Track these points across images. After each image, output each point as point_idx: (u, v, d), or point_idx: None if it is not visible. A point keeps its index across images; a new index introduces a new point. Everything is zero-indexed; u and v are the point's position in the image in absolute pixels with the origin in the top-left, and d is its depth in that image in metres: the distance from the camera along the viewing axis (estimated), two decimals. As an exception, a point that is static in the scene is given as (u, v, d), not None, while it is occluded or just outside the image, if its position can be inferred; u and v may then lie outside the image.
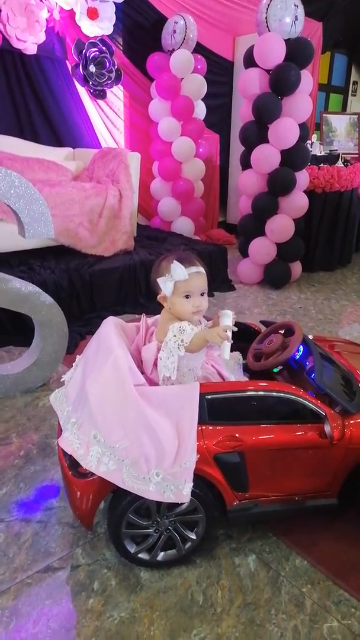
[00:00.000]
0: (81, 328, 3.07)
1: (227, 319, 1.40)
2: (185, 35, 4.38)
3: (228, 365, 1.60)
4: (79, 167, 4.06)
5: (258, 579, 1.43)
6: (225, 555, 1.51)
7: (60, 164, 3.93)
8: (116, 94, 4.69)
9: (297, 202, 3.87)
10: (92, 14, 4.24)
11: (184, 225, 4.80)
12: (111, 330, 1.51)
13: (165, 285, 1.40)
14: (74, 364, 1.60)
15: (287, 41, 3.55)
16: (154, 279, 1.44)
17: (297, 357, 1.68)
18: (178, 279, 1.39)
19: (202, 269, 1.45)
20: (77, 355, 1.61)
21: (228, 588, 1.40)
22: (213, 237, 5.21)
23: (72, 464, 1.35)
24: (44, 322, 2.33)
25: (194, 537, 1.43)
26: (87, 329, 3.09)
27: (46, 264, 3.27)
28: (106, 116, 4.70)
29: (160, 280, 1.40)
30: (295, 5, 3.54)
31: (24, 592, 1.38)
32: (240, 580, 1.43)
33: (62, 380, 1.62)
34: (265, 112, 3.64)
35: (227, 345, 1.35)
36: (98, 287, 3.31)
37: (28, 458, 1.94)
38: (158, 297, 1.46)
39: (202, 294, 1.44)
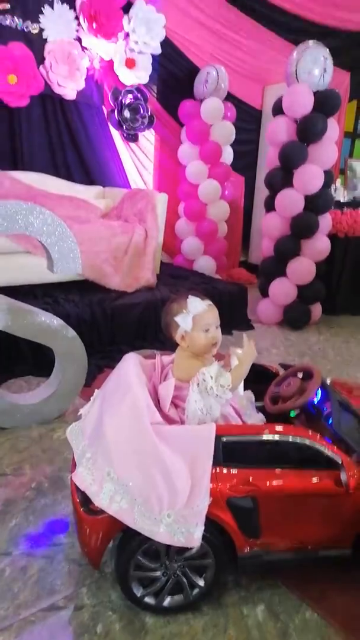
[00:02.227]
0: (100, 361, 3.10)
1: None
2: (216, 85, 4.59)
3: (241, 404, 1.60)
4: (108, 205, 4.20)
5: (266, 630, 1.38)
6: (234, 604, 1.46)
7: (91, 202, 4.08)
8: (147, 138, 4.90)
9: (319, 245, 3.91)
10: (130, 64, 4.49)
11: (206, 264, 4.87)
12: (131, 366, 1.53)
13: (185, 320, 1.43)
14: (91, 398, 1.61)
15: (316, 92, 3.67)
16: (168, 321, 1.47)
17: (315, 401, 1.67)
18: (196, 312, 1.43)
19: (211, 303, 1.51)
20: (95, 389, 1.63)
21: (235, 638, 1.35)
22: (234, 277, 5.26)
23: (84, 500, 1.35)
24: (65, 355, 2.37)
25: (202, 583, 1.40)
26: (106, 362, 3.11)
27: (70, 297, 3.35)
28: (137, 158, 4.89)
29: (179, 318, 1.44)
30: (324, 57, 3.68)
31: (26, 630, 1.36)
32: (248, 631, 1.37)
33: (79, 413, 1.63)
34: (291, 159, 3.74)
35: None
36: (119, 322, 3.36)
37: (39, 490, 1.93)
38: (176, 337, 1.48)
39: (217, 327, 1.49)
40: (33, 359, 2.96)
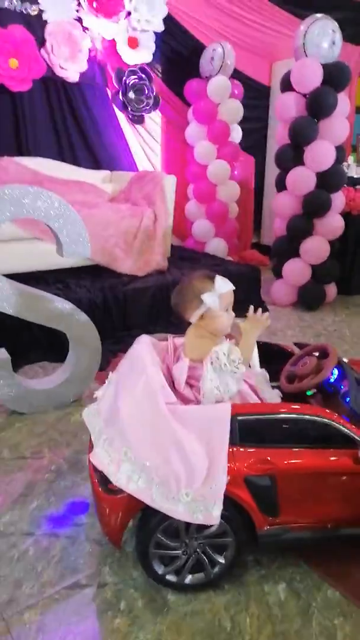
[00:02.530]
0: (113, 345, 3.11)
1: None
2: (222, 62, 4.48)
3: (257, 381, 1.59)
4: (116, 189, 4.17)
5: (288, 608, 1.39)
6: (255, 582, 1.47)
7: (98, 186, 4.05)
8: (154, 119, 4.82)
9: (332, 224, 3.84)
10: (133, 43, 4.40)
11: (217, 246, 4.83)
12: (144, 348, 1.53)
13: (214, 300, 1.42)
14: (106, 381, 1.62)
15: (324, 65, 3.57)
16: (189, 299, 1.45)
17: (332, 380, 1.66)
18: (223, 291, 1.43)
19: None
20: (110, 372, 1.63)
21: (257, 616, 1.36)
22: (246, 258, 5.21)
23: (103, 480, 1.36)
24: (78, 339, 2.37)
25: (222, 561, 1.41)
26: (119, 346, 3.11)
27: (82, 282, 3.35)
28: (143, 140, 4.82)
29: (206, 296, 1.42)
30: (333, 30, 3.58)
31: (51, 608, 1.39)
32: (269, 609, 1.39)
33: (94, 396, 1.64)
34: (302, 135, 3.66)
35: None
36: (131, 306, 3.36)
37: (59, 473, 1.96)
38: (193, 315, 1.46)
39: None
40: (47, 345, 2.98)
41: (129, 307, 3.35)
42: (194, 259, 4.23)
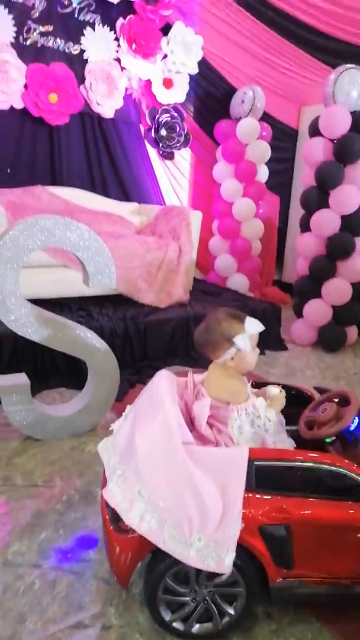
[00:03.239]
0: (132, 376, 3.12)
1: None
2: (253, 105, 4.61)
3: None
4: (143, 221, 4.26)
5: (298, 668, 1.33)
6: (264, 637, 1.42)
7: (126, 218, 4.14)
8: (183, 156, 4.96)
9: (355, 266, 3.83)
10: (167, 83, 4.59)
11: (239, 282, 4.86)
12: (163, 384, 1.52)
13: (245, 342, 1.43)
14: (123, 414, 1.61)
15: (353, 113, 3.65)
16: (216, 340, 1.44)
17: (352, 428, 1.63)
18: (254, 332, 1.44)
19: None
20: (127, 405, 1.63)
21: (263, 675, 1.31)
22: (267, 295, 5.22)
23: (114, 517, 1.34)
24: (97, 368, 2.39)
25: (232, 612, 1.37)
26: (138, 377, 3.13)
27: (104, 311, 3.39)
28: (172, 176, 4.95)
29: (238, 339, 1.42)
30: (362, 79, 3.66)
31: (53, 647, 1.35)
32: (278, 667, 1.33)
33: (110, 429, 1.63)
34: (328, 179, 3.71)
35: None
36: (151, 337, 3.38)
37: (70, 504, 1.94)
38: (222, 357, 1.45)
39: None
40: (67, 372, 3.00)
41: (149, 338, 3.36)
42: (216, 293, 4.26)
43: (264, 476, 1.32)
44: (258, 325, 1.45)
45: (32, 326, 2.22)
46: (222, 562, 1.23)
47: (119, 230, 3.90)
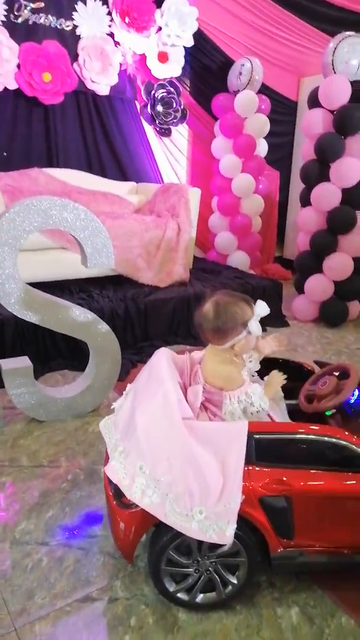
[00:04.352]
0: (133, 356, 3.13)
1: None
2: (250, 77, 4.51)
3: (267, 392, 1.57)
4: (141, 200, 4.21)
5: (300, 634, 1.36)
6: (267, 605, 1.45)
7: (124, 197, 4.10)
8: (180, 132, 4.87)
9: (357, 240, 3.79)
10: (163, 57, 4.47)
11: (239, 259, 4.82)
12: (163, 361, 1.52)
13: (257, 325, 1.41)
14: (124, 392, 1.62)
15: (353, 83, 3.56)
16: (231, 327, 1.40)
17: (352, 401, 1.63)
18: (263, 314, 1.43)
19: None
20: (128, 384, 1.64)
21: (268, 640, 1.34)
22: (269, 272, 5.19)
23: (117, 493, 1.36)
24: (99, 349, 2.40)
25: (234, 581, 1.39)
26: (139, 357, 3.14)
27: (104, 292, 3.39)
28: (170, 153, 4.87)
29: (252, 323, 1.40)
30: (362, 48, 3.57)
31: (62, 620, 1.39)
32: (281, 633, 1.36)
33: (112, 407, 1.65)
34: (328, 152, 3.65)
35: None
36: (152, 317, 3.38)
37: (75, 483, 1.97)
38: (233, 340, 1.42)
39: None
40: (69, 354, 3.02)
41: (149, 317, 3.36)
42: (216, 271, 4.24)
43: (264, 449, 1.33)
44: (266, 307, 1.43)
45: (32, 309, 2.22)
46: (224, 533, 1.25)
47: (117, 209, 3.87)
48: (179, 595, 1.40)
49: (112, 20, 4.17)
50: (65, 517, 1.79)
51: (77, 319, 2.32)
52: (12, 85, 3.83)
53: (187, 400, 1.47)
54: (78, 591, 1.48)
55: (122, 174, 4.55)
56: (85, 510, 1.82)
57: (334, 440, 1.35)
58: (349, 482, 1.35)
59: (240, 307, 1.42)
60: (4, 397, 2.38)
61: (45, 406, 2.38)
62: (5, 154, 3.97)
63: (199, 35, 4.56)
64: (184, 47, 4.52)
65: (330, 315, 3.96)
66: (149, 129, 4.69)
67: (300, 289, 4.11)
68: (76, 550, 1.63)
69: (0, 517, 1.78)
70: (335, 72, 3.61)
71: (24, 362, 2.33)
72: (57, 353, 3.02)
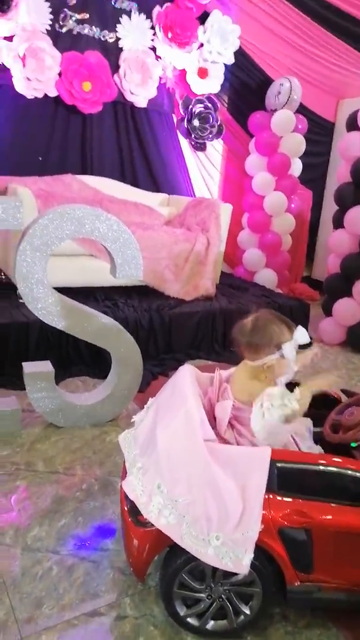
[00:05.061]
0: (154, 367, 3.12)
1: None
2: (289, 97, 4.51)
3: (299, 431, 1.54)
4: (172, 213, 4.23)
5: (312, 673, 1.31)
6: (279, 638, 1.40)
7: (155, 208, 4.12)
8: (215, 148, 4.90)
9: (389, 265, 3.73)
10: (203, 73, 4.53)
11: (267, 277, 4.79)
12: (187, 379, 1.51)
13: (292, 351, 1.39)
14: (145, 406, 1.61)
15: (393, 107, 3.53)
16: (264, 344, 1.39)
17: (379, 433, 1.58)
18: (302, 342, 1.41)
19: None
20: (150, 398, 1.63)
21: None
22: (296, 292, 5.14)
23: (133, 510, 1.35)
24: (121, 359, 2.39)
25: (247, 611, 1.35)
26: (161, 369, 3.13)
27: (130, 301, 3.40)
28: (203, 167, 4.90)
29: (287, 347, 1.38)
30: None
31: (68, 633, 1.37)
32: (292, 671, 1.31)
33: (132, 420, 1.63)
34: (364, 175, 3.61)
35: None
36: (176, 330, 3.37)
37: (89, 493, 1.96)
38: (264, 359, 1.40)
39: None
40: (91, 361, 3.03)
41: (173, 330, 3.36)
42: (243, 288, 4.21)
43: (286, 478, 1.29)
44: (307, 336, 1.41)
45: (58, 315, 2.23)
46: (240, 562, 1.22)
47: (147, 220, 3.89)
48: (189, 619, 1.36)
49: (155, 34, 4.24)
50: (78, 526, 1.77)
51: (102, 328, 2.32)
52: (53, 93, 3.92)
53: (214, 416, 1.45)
54: (86, 604, 1.46)
55: (155, 185, 4.59)
56: (98, 522, 1.80)
57: (358, 474, 1.31)
58: (371, 519, 1.30)
59: (280, 327, 1.40)
60: (23, 400, 2.39)
61: (64, 412, 2.38)
62: (40, 158, 4.05)
63: (239, 53, 4.61)
64: (224, 64, 4.56)
65: (358, 339, 3.88)
66: (184, 143, 4.73)
67: (328, 311, 4.05)
68: (87, 562, 1.62)
69: (13, 520, 1.78)
70: (376, 96, 3.58)
71: (46, 367, 2.34)
72: (79, 359, 3.04)
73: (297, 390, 1.37)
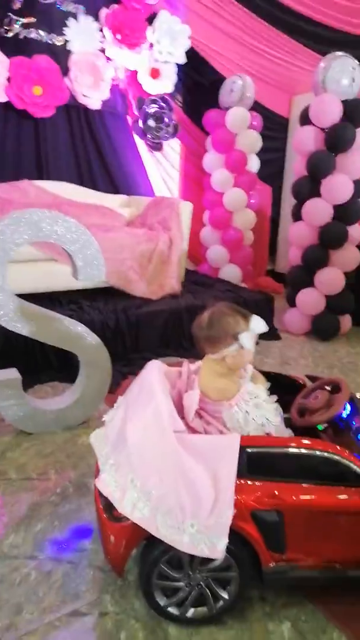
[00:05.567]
0: (124, 368, 3.11)
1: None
2: (242, 94, 4.58)
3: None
4: (133, 213, 4.24)
5: (292, 650, 1.35)
6: (258, 619, 1.43)
7: (115, 210, 4.12)
8: (173, 147, 4.93)
9: (348, 255, 3.85)
10: (155, 73, 4.55)
11: (231, 272, 4.86)
12: (154, 374, 1.53)
13: (250, 340, 1.42)
14: (115, 405, 1.62)
15: (344, 102, 3.64)
16: (220, 336, 1.42)
17: (344, 415, 1.64)
18: (259, 331, 1.43)
19: None
20: (119, 396, 1.64)
21: (259, 657, 1.33)
22: (260, 285, 5.23)
23: (108, 506, 1.35)
24: (89, 362, 2.39)
25: (226, 596, 1.38)
26: (130, 369, 3.12)
27: (95, 304, 3.38)
28: (162, 167, 4.93)
29: (244, 337, 1.41)
30: (353, 67, 3.65)
31: (50, 635, 1.37)
32: (273, 649, 1.35)
33: (102, 419, 1.64)
34: (319, 168, 3.71)
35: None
36: (143, 329, 3.38)
37: (64, 496, 1.95)
38: (223, 351, 1.43)
39: None
40: (58, 365, 3.00)
41: (141, 330, 3.36)
42: (208, 284, 4.25)
43: (256, 463, 1.33)
44: (263, 325, 1.43)
45: (23, 321, 2.21)
46: (215, 547, 1.24)
47: (108, 222, 3.88)
48: (169, 609, 1.38)
49: (103, 36, 4.23)
50: (55, 530, 1.76)
51: (67, 331, 2.31)
52: (2, 98, 3.86)
53: (182, 405, 1.47)
54: (67, 605, 1.46)
55: (114, 187, 4.58)
56: (74, 524, 1.80)
57: (325, 454, 1.36)
58: (340, 497, 1.35)
59: (235, 319, 1.42)
60: (-8, 409, 2.35)
61: (34, 418, 2.36)
62: (-6, 166, 3.98)
63: (191, 52, 4.64)
64: (176, 63, 4.59)
65: (322, 328, 3.99)
66: (140, 143, 4.74)
67: (292, 303, 4.14)
68: (65, 564, 1.61)
69: (-12, 531, 1.75)
70: (326, 91, 3.68)
71: (12, 374, 2.31)
72: (47, 365, 3.00)
73: (261, 387, 1.45)
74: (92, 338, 2.37)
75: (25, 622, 1.40)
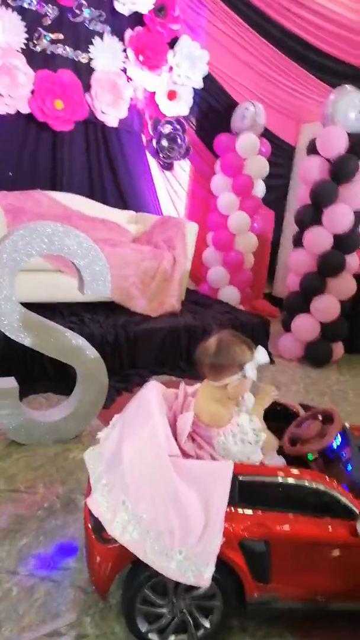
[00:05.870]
0: (119, 384, 3.12)
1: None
2: (253, 121, 4.68)
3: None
4: (139, 230, 4.28)
5: None
6: (239, 651, 1.43)
7: (122, 225, 4.17)
8: (183, 168, 5.02)
9: (345, 284, 3.90)
10: (172, 95, 4.65)
11: (230, 294, 4.90)
12: (153, 395, 1.54)
13: (254, 371, 1.43)
14: (111, 423, 1.62)
15: (350, 135, 3.72)
16: (227, 364, 1.43)
17: (335, 446, 1.65)
18: (262, 362, 1.45)
19: None
20: (115, 414, 1.64)
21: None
22: (257, 308, 5.26)
23: (97, 527, 1.35)
24: (87, 376, 2.39)
25: (207, 624, 1.38)
26: (125, 385, 3.13)
27: (96, 317, 3.40)
28: (171, 186, 5.01)
29: (249, 367, 1.42)
30: (360, 101, 3.75)
31: (28, 655, 1.36)
32: None
33: (97, 437, 1.63)
34: (322, 198, 3.77)
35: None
36: (141, 346, 3.39)
37: (51, 511, 1.94)
38: (226, 379, 1.43)
39: None
40: (55, 377, 3.00)
41: (139, 346, 3.38)
42: (207, 304, 4.28)
43: (247, 491, 1.34)
44: (266, 356, 1.46)
45: (26, 331, 2.22)
46: (202, 575, 1.24)
47: (115, 237, 3.92)
48: (150, 635, 1.37)
49: (126, 56, 4.34)
50: (39, 546, 1.75)
51: (68, 344, 2.32)
52: (25, 110, 3.94)
53: (176, 427, 1.48)
54: (47, 625, 1.45)
55: (123, 203, 4.65)
56: (59, 541, 1.79)
57: (314, 485, 1.37)
58: (327, 528, 1.36)
59: (242, 348, 1.44)
60: (-15, 417, 2.35)
61: (27, 429, 2.35)
62: (10, 173, 4.04)
63: (207, 77, 4.76)
64: (193, 87, 4.70)
65: (315, 355, 4.01)
66: (152, 162, 4.83)
67: (287, 328, 4.17)
68: (47, 582, 1.60)
69: (-27, 542, 1.74)
70: (334, 123, 3.77)
71: (9, 383, 2.32)
72: (43, 375, 3.01)
73: (255, 419, 1.44)
74: (91, 352, 2.38)
75: (3, 639, 1.39)
